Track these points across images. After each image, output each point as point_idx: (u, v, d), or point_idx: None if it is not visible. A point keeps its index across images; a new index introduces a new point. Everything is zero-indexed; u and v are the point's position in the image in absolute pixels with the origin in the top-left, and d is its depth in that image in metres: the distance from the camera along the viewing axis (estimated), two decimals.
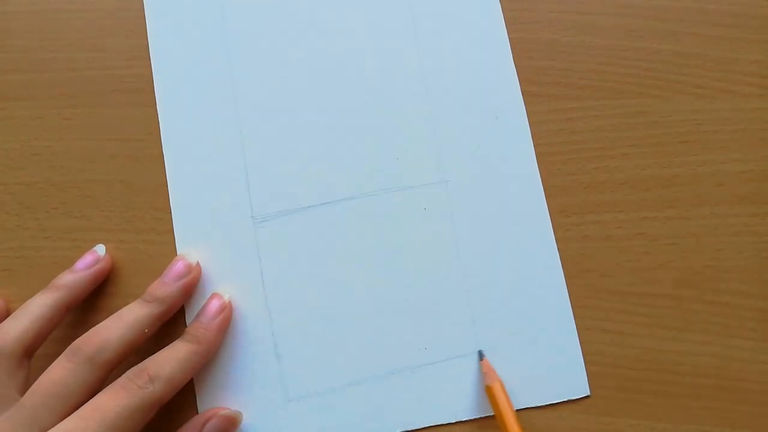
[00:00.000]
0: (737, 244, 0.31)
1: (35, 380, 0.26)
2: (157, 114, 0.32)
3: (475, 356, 0.30)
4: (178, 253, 0.31)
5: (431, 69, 0.33)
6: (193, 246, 0.31)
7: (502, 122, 0.32)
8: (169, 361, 0.26)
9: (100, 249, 0.30)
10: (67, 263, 0.30)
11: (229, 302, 0.30)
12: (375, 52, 0.33)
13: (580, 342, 0.30)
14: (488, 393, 0.29)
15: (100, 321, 0.30)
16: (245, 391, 0.29)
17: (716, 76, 0.33)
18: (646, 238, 0.32)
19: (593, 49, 0.33)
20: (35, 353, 0.28)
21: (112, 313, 0.30)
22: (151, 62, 0.32)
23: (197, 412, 0.29)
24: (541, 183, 0.32)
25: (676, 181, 0.32)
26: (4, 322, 0.27)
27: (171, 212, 0.31)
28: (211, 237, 0.31)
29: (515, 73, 0.33)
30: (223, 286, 0.30)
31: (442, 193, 0.32)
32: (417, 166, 0.32)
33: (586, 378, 0.30)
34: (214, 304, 0.29)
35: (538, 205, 0.32)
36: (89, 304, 0.30)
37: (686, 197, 0.32)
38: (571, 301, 0.31)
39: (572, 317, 0.31)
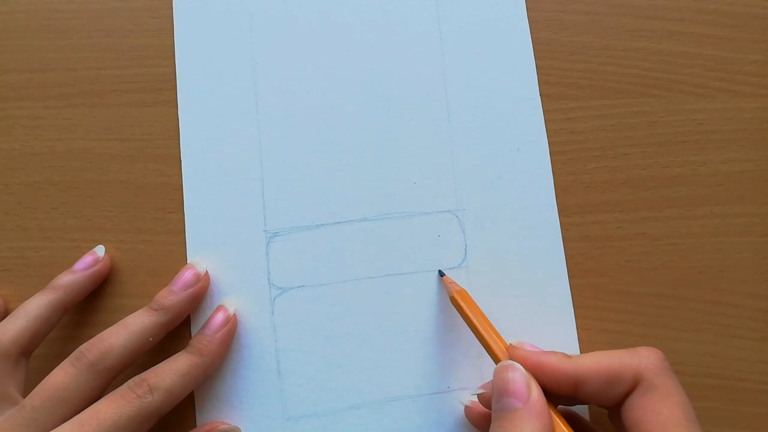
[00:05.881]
0: (737, 244, 0.31)
1: (35, 380, 0.26)
2: (157, 114, 0.32)
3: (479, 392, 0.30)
4: (188, 259, 0.31)
5: (456, 96, 0.32)
6: (203, 253, 0.31)
7: (523, 154, 0.32)
8: (170, 373, 0.26)
9: (100, 250, 0.30)
10: (67, 263, 0.30)
11: (234, 315, 0.30)
12: (401, 75, 0.33)
13: (579, 342, 0.30)
14: (453, 302, 0.29)
15: (100, 321, 0.30)
16: (244, 406, 0.29)
17: (716, 76, 0.33)
18: (646, 238, 0.32)
19: (593, 49, 0.33)
20: (33, 353, 0.28)
21: (111, 313, 0.30)
22: (176, 65, 0.32)
23: (195, 424, 0.29)
24: (558, 222, 0.31)
25: (676, 181, 0.32)
26: (2, 322, 0.27)
27: (173, 213, 0.31)
28: (222, 246, 0.31)
29: (540, 106, 0.32)
30: (230, 299, 0.30)
31: (457, 221, 0.31)
32: (434, 192, 0.31)
33: None
34: (219, 317, 0.29)
35: (554, 243, 0.31)
36: (88, 304, 0.30)
37: (686, 197, 0.32)
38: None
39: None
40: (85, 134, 0.32)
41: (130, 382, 0.26)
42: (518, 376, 0.23)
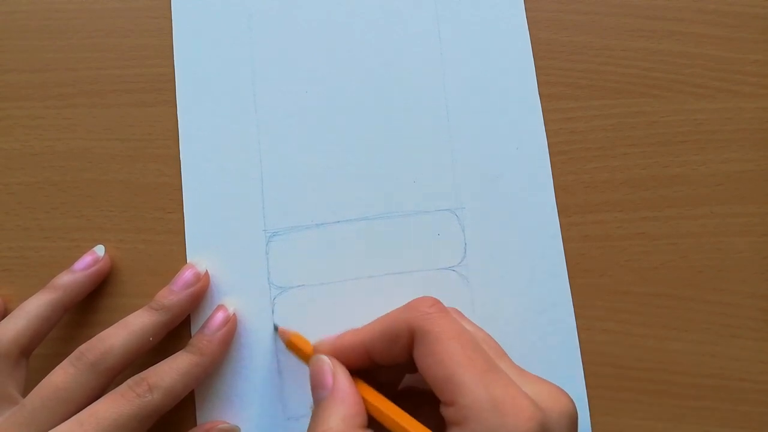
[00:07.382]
0: (737, 244, 0.31)
1: (35, 380, 0.26)
2: (157, 114, 0.32)
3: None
4: (187, 259, 0.31)
5: (455, 95, 0.32)
6: (202, 253, 0.31)
7: (523, 153, 0.32)
8: (170, 372, 0.26)
9: (99, 250, 0.30)
10: (67, 263, 0.30)
11: (234, 315, 0.30)
12: (400, 75, 0.33)
13: (579, 342, 0.30)
14: (290, 347, 0.28)
15: (99, 320, 0.30)
16: (245, 405, 0.29)
17: (716, 76, 0.33)
18: (646, 238, 0.31)
19: (593, 49, 0.33)
20: (33, 353, 0.28)
21: (111, 313, 0.30)
22: (174, 66, 0.32)
23: (196, 423, 0.29)
24: (558, 222, 0.31)
25: (676, 181, 0.32)
26: (2, 322, 0.27)
27: (173, 213, 0.31)
28: (222, 246, 0.31)
29: (539, 104, 0.32)
30: (230, 298, 0.30)
31: (457, 220, 0.31)
32: (433, 190, 0.31)
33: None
34: (219, 317, 0.29)
35: (554, 242, 0.31)
36: (88, 303, 0.30)
37: (686, 197, 0.32)
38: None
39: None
40: (85, 134, 0.32)
41: (130, 381, 0.26)
42: (322, 366, 0.24)
